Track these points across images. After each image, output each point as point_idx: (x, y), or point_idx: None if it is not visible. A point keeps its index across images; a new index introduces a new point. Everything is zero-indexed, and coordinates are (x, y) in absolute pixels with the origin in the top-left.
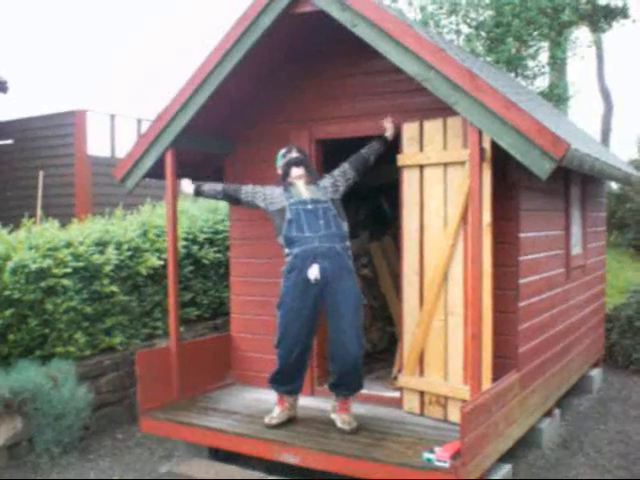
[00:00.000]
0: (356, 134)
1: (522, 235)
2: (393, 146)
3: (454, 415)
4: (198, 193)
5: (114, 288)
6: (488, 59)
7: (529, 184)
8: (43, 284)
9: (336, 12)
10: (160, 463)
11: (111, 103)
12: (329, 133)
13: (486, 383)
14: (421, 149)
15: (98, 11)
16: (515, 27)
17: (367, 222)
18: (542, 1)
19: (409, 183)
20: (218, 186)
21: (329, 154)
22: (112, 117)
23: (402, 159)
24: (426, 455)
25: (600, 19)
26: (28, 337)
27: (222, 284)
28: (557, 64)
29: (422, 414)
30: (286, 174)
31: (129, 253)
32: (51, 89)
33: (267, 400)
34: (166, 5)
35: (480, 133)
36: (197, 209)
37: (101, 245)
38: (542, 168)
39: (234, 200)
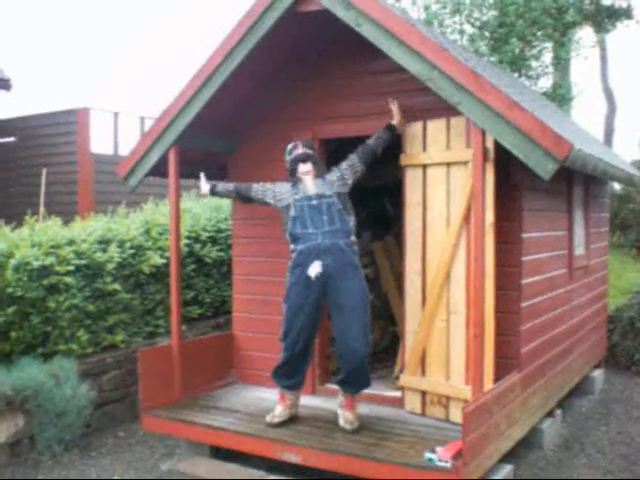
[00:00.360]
0: (360, 133)
1: (525, 235)
2: (396, 146)
3: (456, 415)
4: (213, 193)
5: (116, 286)
6: (492, 59)
7: (532, 184)
8: (45, 282)
9: (340, 11)
10: (161, 461)
11: (113, 101)
12: (333, 132)
13: (488, 383)
14: (424, 149)
15: (100, 10)
16: (519, 27)
17: (369, 222)
18: (546, 1)
19: (412, 183)
20: (230, 185)
21: (332, 153)
22: (115, 115)
23: (405, 159)
24: (428, 455)
25: (604, 20)
26: (30, 334)
27: (224, 283)
28: (561, 64)
29: (424, 414)
30: (293, 170)
31: (132, 251)
32: (54, 87)
33: (269, 399)
34: (166, 5)
35: (483, 133)
36: (200, 208)
37: (104, 243)
38: (545, 168)
39: (245, 198)
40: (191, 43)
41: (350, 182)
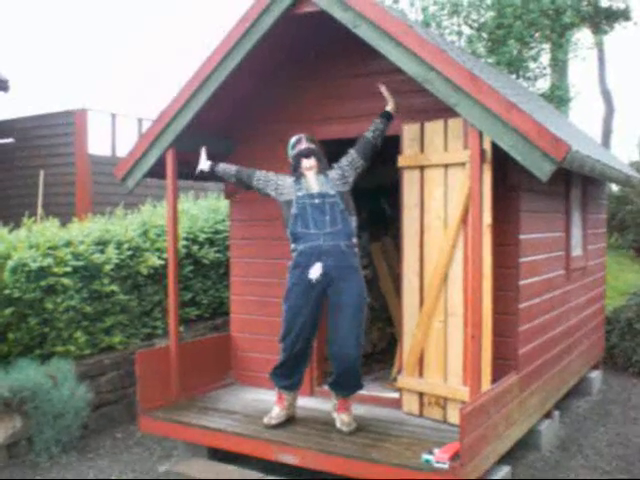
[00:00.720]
0: (357, 135)
1: (522, 237)
2: (394, 147)
3: (453, 416)
4: (213, 171)
5: (114, 287)
6: (489, 60)
7: (529, 186)
8: (43, 283)
9: (338, 12)
10: (159, 462)
11: (111, 102)
12: (331, 134)
13: (485, 384)
14: (422, 150)
15: (99, 11)
16: (517, 29)
17: (367, 223)
18: (544, 3)
19: (409, 184)
20: (232, 168)
21: (331, 154)
22: (113, 116)
23: (403, 160)
24: (425, 456)
25: (602, 21)
26: (28, 336)
27: (222, 284)
28: (558, 66)
29: (421, 415)
30: (297, 165)
31: (129, 252)
32: (52, 88)
33: (266, 400)
34: (166, 5)
35: (481, 134)
36: (197, 209)
37: (101, 244)
38: (543, 170)
39: (245, 184)
40: (191, 43)
41: (351, 180)
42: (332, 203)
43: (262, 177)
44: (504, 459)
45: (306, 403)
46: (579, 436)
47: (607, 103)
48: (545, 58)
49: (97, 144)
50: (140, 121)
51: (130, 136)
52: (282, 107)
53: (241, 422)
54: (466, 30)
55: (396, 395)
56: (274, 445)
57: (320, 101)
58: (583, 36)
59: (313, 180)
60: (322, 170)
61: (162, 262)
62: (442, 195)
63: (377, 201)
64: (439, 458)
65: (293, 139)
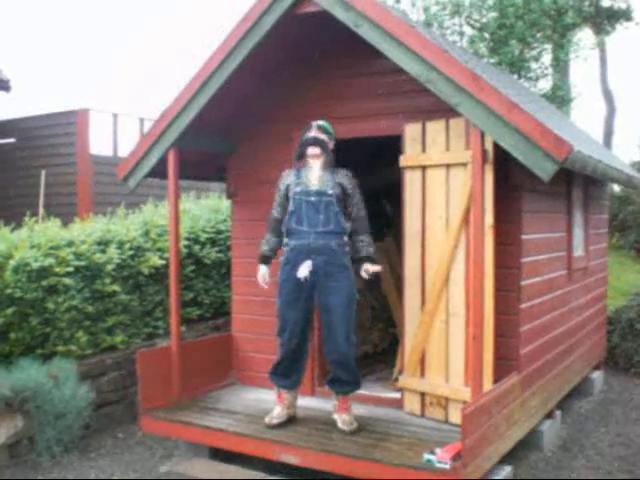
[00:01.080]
0: (361, 135)
1: (524, 237)
2: (395, 147)
3: (455, 416)
4: (269, 261)
5: (116, 287)
6: (491, 61)
7: (531, 186)
8: (45, 283)
9: (339, 12)
10: (160, 462)
11: (112, 102)
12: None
13: (487, 385)
14: (424, 150)
15: (100, 10)
16: (518, 29)
17: (369, 223)
18: (545, 3)
19: (411, 184)
20: (272, 241)
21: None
22: (114, 116)
23: (404, 160)
24: (427, 456)
25: (603, 21)
26: (29, 336)
27: (223, 284)
28: (560, 66)
29: (423, 415)
30: (301, 154)
31: (131, 252)
32: (53, 88)
33: (268, 400)
34: (166, 5)
35: (483, 134)
36: (199, 209)
37: (103, 244)
38: (544, 170)
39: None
40: (191, 43)
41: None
42: (328, 202)
43: (278, 208)
44: (506, 459)
45: (307, 403)
46: (581, 436)
47: (609, 103)
48: (547, 58)
49: (99, 144)
50: (142, 121)
51: (132, 136)
52: (284, 107)
53: (242, 422)
54: (468, 30)
55: (398, 395)
56: (275, 445)
57: (322, 101)
58: (585, 36)
59: (316, 174)
60: (329, 165)
61: (163, 262)
62: (444, 195)
63: (379, 201)
64: (441, 458)
65: (308, 125)
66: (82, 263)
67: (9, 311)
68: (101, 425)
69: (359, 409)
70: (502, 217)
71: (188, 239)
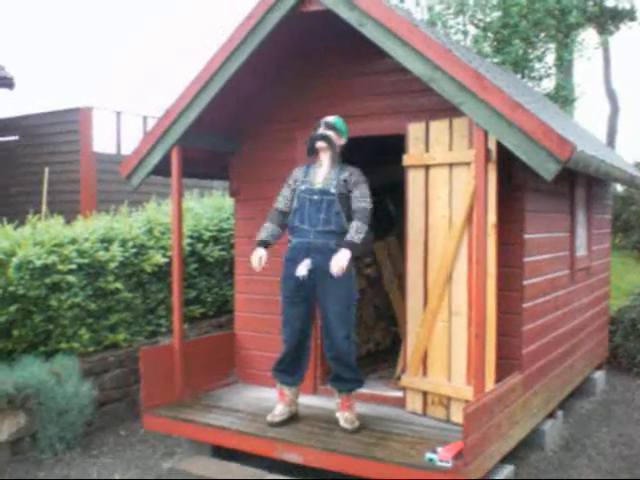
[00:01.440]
0: (363, 133)
1: (527, 236)
2: (398, 146)
3: (457, 416)
4: (267, 246)
5: (118, 285)
6: (495, 60)
7: (534, 185)
8: (48, 280)
9: (343, 11)
10: (163, 460)
11: (115, 100)
12: None
13: (489, 384)
14: (427, 149)
15: (102, 9)
16: (522, 28)
17: (371, 222)
18: (549, 3)
19: (414, 183)
20: (270, 228)
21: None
22: (118, 114)
23: (408, 159)
24: (429, 455)
25: (607, 21)
26: (32, 333)
27: (226, 282)
28: (564, 66)
29: (425, 414)
30: (311, 149)
31: (134, 250)
32: (57, 86)
33: (270, 398)
34: (166, 5)
35: (486, 134)
36: (202, 207)
37: (106, 242)
38: (547, 169)
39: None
40: (191, 43)
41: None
42: (330, 202)
43: (284, 200)
44: (507, 458)
45: (310, 401)
46: (582, 436)
47: (612, 103)
48: (550, 58)
49: (102, 142)
50: (145, 119)
51: (135, 134)
52: (287, 105)
53: (244, 420)
54: (472, 29)
55: (400, 394)
56: (277, 443)
57: (325, 100)
58: (588, 36)
59: (322, 172)
60: (336, 160)
61: (166, 260)
62: (447, 194)
63: (381, 200)
64: (443, 457)
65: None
66: (85, 261)
67: (12, 308)
68: (103, 422)
69: (361, 407)
70: (505, 216)
71: (191, 237)
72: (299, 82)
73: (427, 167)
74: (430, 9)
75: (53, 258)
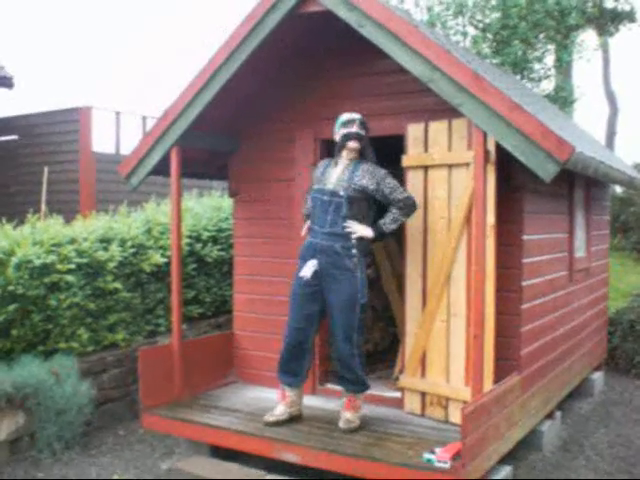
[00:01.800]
0: None
1: (526, 237)
2: (397, 147)
3: (455, 416)
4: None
5: (117, 285)
6: (494, 61)
7: (533, 186)
8: (47, 280)
9: (343, 12)
10: (161, 460)
11: (115, 100)
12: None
13: (487, 385)
14: (426, 150)
15: (101, 9)
16: (522, 29)
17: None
18: (549, 4)
19: (413, 184)
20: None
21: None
22: (117, 114)
23: (407, 160)
24: (427, 455)
25: (607, 22)
26: (31, 332)
27: (225, 282)
28: (563, 67)
29: (423, 415)
30: (342, 145)
31: (133, 250)
32: (56, 85)
33: (268, 398)
34: (166, 5)
35: (485, 135)
36: (201, 207)
37: (105, 242)
38: (546, 171)
39: None
40: (191, 43)
41: (367, 195)
42: (338, 204)
43: (307, 196)
44: (506, 459)
45: (309, 401)
46: (581, 437)
47: (611, 104)
48: (550, 59)
49: (101, 142)
50: (144, 119)
51: (134, 134)
52: (286, 106)
53: (243, 420)
54: (471, 30)
55: (398, 395)
56: (276, 443)
57: (325, 100)
58: (588, 37)
59: (336, 172)
60: (360, 160)
61: (165, 260)
62: (446, 195)
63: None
64: (441, 457)
65: (345, 117)
66: (84, 260)
67: (11, 308)
68: (102, 422)
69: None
70: (504, 217)
71: (190, 237)
72: (299, 82)
73: (426, 168)
74: (429, 10)
75: (52, 258)
